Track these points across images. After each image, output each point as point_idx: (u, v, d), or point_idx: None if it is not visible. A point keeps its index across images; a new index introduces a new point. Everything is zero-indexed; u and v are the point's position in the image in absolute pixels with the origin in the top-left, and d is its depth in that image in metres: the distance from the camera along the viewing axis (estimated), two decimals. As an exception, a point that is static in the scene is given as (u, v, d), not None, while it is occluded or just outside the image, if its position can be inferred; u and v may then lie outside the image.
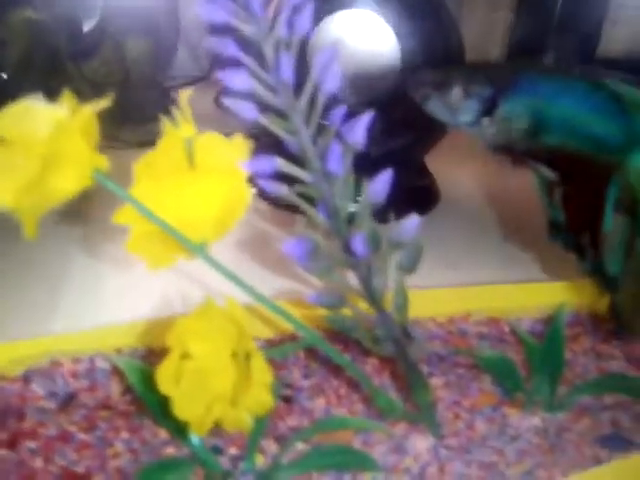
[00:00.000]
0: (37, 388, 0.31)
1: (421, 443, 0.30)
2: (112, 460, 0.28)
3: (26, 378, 0.31)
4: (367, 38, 0.50)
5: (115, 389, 0.32)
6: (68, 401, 0.31)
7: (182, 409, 0.22)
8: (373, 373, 0.34)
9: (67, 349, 0.32)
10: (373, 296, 0.25)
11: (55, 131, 0.19)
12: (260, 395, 0.22)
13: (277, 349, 0.32)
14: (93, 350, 0.33)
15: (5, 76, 0.48)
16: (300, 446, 0.29)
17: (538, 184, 0.29)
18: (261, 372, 0.22)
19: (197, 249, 0.23)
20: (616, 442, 0.31)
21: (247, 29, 0.21)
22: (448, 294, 0.39)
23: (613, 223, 0.27)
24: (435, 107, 0.29)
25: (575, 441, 0.31)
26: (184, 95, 0.23)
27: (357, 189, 0.24)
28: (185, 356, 0.22)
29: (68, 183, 0.20)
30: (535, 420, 0.32)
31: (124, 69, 0.43)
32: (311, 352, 0.34)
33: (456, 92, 0.27)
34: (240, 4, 0.21)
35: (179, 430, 0.26)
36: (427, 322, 0.38)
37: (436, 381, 0.34)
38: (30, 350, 0.32)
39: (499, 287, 0.39)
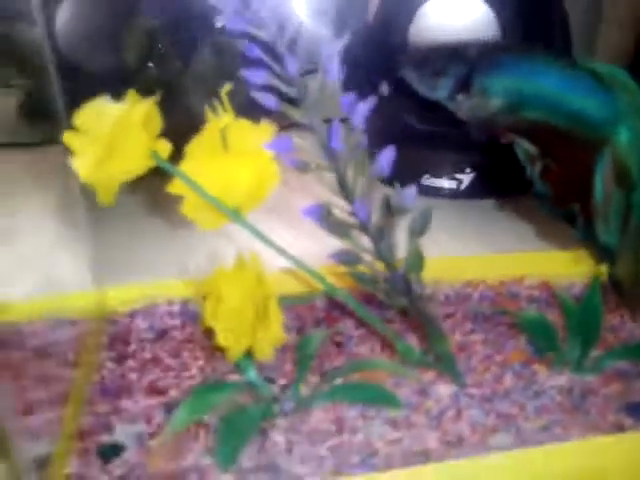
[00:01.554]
0: (140, 323, 0.39)
1: (445, 389, 0.33)
2: (187, 380, 0.35)
3: (132, 315, 0.40)
4: (467, 20, 0.51)
5: (199, 328, 0.39)
6: (162, 334, 0.39)
7: (222, 339, 0.29)
8: (410, 329, 0.38)
9: (164, 294, 0.40)
10: (383, 255, 0.29)
11: (117, 123, 0.26)
12: (276, 331, 0.27)
13: (294, 297, 0.37)
14: (185, 295, 0.41)
15: (152, 65, 0.58)
16: (339, 381, 0.34)
17: (522, 157, 0.30)
18: (276, 313, 0.27)
19: (232, 213, 0.28)
20: (643, 412, 0.30)
21: (287, 90, 0.26)
22: (501, 260, 0.41)
23: (604, 194, 0.28)
24: (416, 83, 0.31)
25: (599, 405, 0.31)
26: (224, 88, 0.29)
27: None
28: (219, 298, 0.28)
29: (129, 164, 0.26)
30: (562, 379, 0.33)
31: (220, 66, 0.50)
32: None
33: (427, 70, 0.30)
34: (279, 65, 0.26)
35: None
36: (479, 284, 0.41)
37: (475, 337, 0.37)
38: (136, 294, 0.40)
39: (553, 254, 0.40)
